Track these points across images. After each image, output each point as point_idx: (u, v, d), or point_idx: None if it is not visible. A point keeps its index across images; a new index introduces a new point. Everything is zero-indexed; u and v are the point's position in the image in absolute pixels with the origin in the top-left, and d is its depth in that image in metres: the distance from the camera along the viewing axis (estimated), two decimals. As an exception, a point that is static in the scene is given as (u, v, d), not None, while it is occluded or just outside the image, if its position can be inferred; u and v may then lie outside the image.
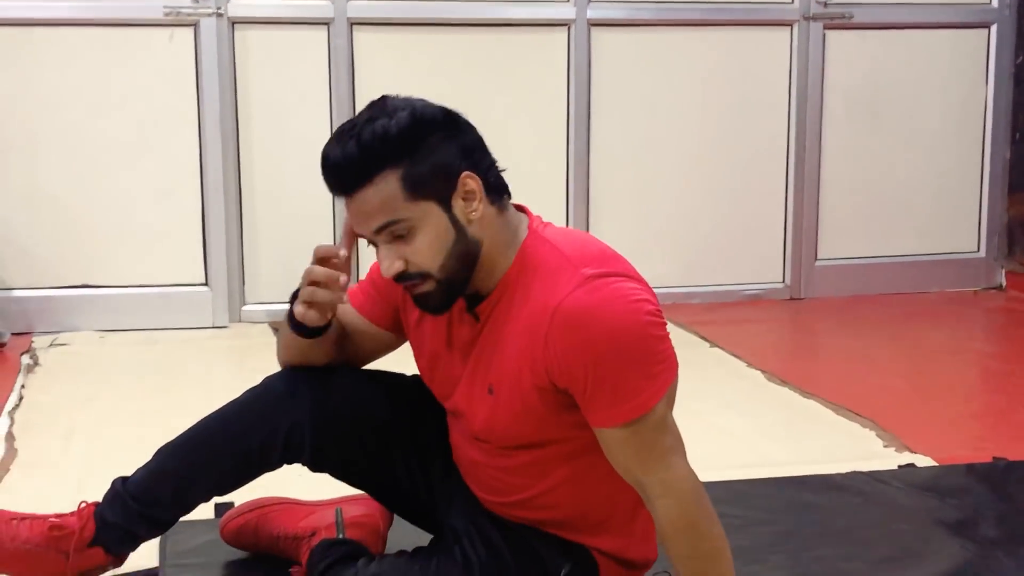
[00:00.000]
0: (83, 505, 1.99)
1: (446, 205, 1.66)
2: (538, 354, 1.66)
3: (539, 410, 1.72)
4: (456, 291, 1.71)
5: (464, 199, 1.67)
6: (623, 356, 1.63)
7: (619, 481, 1.75)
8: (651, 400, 1.65)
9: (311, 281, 1.75)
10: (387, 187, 1.63)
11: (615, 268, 1.68)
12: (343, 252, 1.75)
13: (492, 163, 1.73)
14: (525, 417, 1.73)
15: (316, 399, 1.88)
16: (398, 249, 1.67)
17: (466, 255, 1.68)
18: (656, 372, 1.66)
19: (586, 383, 1.64)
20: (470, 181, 1.67)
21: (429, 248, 1.66)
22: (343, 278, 1.75)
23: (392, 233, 1.66)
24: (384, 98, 1.71)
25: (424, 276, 1.68)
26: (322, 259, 1.75)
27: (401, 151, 1.63)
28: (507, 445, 1.79)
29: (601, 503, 1.83)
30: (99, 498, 1.99)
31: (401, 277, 1.68)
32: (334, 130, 1.70)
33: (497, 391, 1.74)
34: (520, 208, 1.79)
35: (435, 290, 1.69)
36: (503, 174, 1.75)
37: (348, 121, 1.69)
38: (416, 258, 1.66)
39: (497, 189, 1.72)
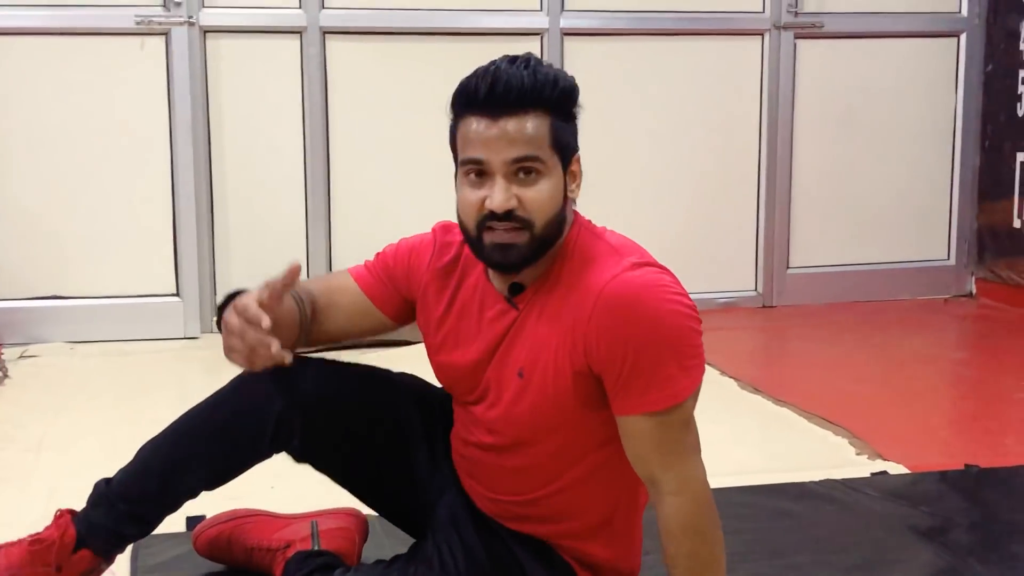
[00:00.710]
0: (59, 513, 1.95)
1: (565, 171, 1.73)
2: (579, 334, 1.68)
3: (567, 398, 1.72)
4: (538, 253, 1.71)
5: (570, 177, 1.74)
6: (664, 343, 1.65)
7: (621, 491, 1.77)
8: (683, 392, 1.67)
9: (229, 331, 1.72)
10: (540, 125, 1.68)
11: (656, 262, 1.73)
12: (266, 322, 1.69)
13: None
14: (552, 403, 1.73)
15: (305, 384, 1.87)
16: (515, 188, 1.68)
17: (559, 224, 1.73)
18: (690, 366, 1.68)
19: (624, 366, 1.65)
20: (578, 164, 1.76)
21: (549, 198, 1.69)
22: (275, 347, 1.70)
23: (524, 169, 1.68)
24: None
25: (527, 224, 1.68)
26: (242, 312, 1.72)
27: (558, 104, 1.70)
28: (520, 439, 1.78)
29: (601, 511, 1.83)
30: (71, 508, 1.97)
31: (508, 216, 1.68)
32: (499, 57, 1.71)
33: (528, 375, 1.74)
34: None
35: (526, 243, 1.69)
36: None
37: (511, 55, 1.71)
38: (532, 203, 1.68)
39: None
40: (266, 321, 1.69)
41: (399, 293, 1.93)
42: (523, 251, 1.70)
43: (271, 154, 4.34)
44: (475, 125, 1.68)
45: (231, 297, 1.78)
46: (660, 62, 4.66)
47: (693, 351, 1.69)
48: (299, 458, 1.95)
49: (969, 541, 2.41)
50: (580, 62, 4.52)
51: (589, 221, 1.81)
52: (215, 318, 1.80)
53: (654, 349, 1.65)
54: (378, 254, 1.97)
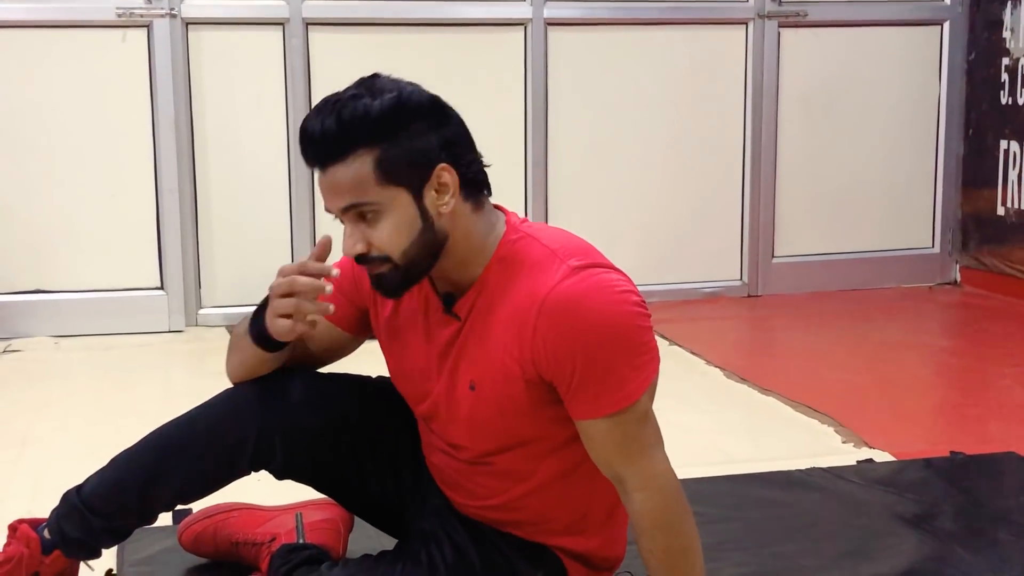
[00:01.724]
0: (12, 526, 1.92)
1: (417, 194, 1.64)
2: (526, 344, 1.65)
3: (523, 404, 1.70)
4: (413, 278, 1.69)
5: (437, 191, 1.65)
6: (611, 345, 1.63)
7: (595, 483, 1.75)
8: (636, 391, 1.65)
9: (290, 292, 1.70)
10: (360, 167, 1.61)
11: (599, 260, 1.69)
12: (335, 271, 1.71)
13: (474, 159, 1.71)
14: (510, 411, 1.71)
15: (285, 403, 1.85)
16: (363, 230, 1.65)
17: (431, 245, 1.66)
18: (641, 363, 1.66)
19: (573, 373, 1.63)
20: (445, 174, 1.65)
21: (393, 234, 1.64)
22: (328, 287, 1.71)
23: (359, 214, 1.64)
24: (375, 76, 1.69)
25: (384, 260, 1.66)
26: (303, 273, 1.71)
27: (379, 134, 1.61)
28: (485, 449, 1.77)
29: (578, 505, 1.82)
30: (47, 507, 1.94)
31: (361, 259, 1.66)
32: (317, 102, 1.67)
33: (480, 386, 1.72)
34: (497, 207, 1.77)
35: (392, 274, 1.67)
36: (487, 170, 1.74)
37: (333, 94, 1.66)
38: (379, 242, 1.64)
39: (475, 184, 1.71)
40: (335, 270, 1.69)
41: (352, 305, 1.89)
42: (392, 280, 1.68)
43: (254, 146, 4.33)
44: (316, 177, 1.69)
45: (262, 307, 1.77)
46: (644, 51, 4.65)
47: (643, 348, 1.66)
48: (280, 475, 1.93)
49: (954, 528, 2.41)
50: (564, 52, 4.52)
51: (525, 220, 1.77)
52: (251, 319, 1.79)
53: (603, 355, 1.62)
54: None
